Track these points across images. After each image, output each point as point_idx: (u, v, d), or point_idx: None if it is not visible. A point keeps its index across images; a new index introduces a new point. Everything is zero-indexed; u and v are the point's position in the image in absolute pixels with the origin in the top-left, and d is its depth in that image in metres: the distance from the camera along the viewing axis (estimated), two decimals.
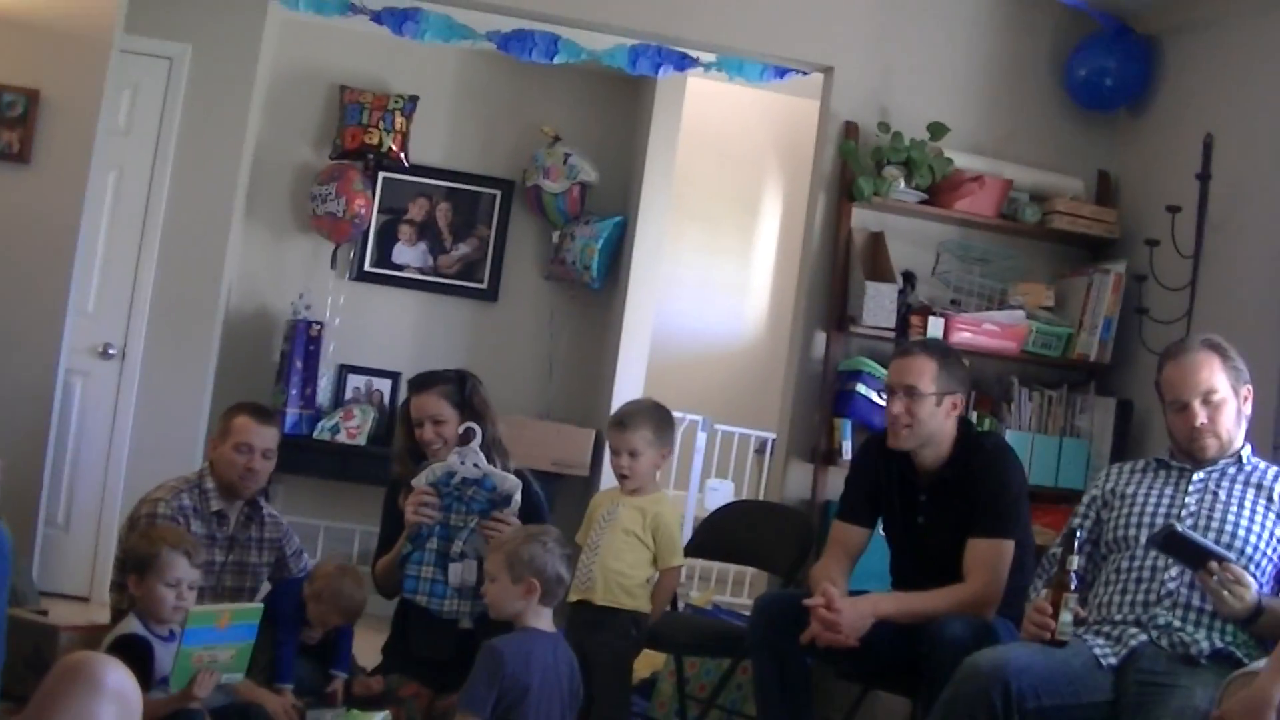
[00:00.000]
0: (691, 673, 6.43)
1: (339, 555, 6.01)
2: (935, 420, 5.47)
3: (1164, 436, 5.21)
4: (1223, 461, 4.95)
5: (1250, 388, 4.97)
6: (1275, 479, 4.91)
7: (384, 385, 8.79)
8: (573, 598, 5.87)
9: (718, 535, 6.63)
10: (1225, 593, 4.49)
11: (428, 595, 5.73)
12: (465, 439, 5.68)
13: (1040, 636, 4.69)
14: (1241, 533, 4.77)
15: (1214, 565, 4.53)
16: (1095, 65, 7.28)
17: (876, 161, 7.07)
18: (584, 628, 5.76)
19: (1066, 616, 4.67)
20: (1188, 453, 4.98)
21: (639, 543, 5.84)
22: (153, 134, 8.01)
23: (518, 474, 5.81)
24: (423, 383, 5.98)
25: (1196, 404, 4.87)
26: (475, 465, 5.66)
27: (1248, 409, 4.98)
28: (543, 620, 5.03)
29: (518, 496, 5.67)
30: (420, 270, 9.00)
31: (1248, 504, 4.84)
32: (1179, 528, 4.68)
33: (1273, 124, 6.33)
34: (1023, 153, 7.41)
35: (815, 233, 7.24)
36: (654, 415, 5.99)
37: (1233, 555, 4.61)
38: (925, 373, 5.47)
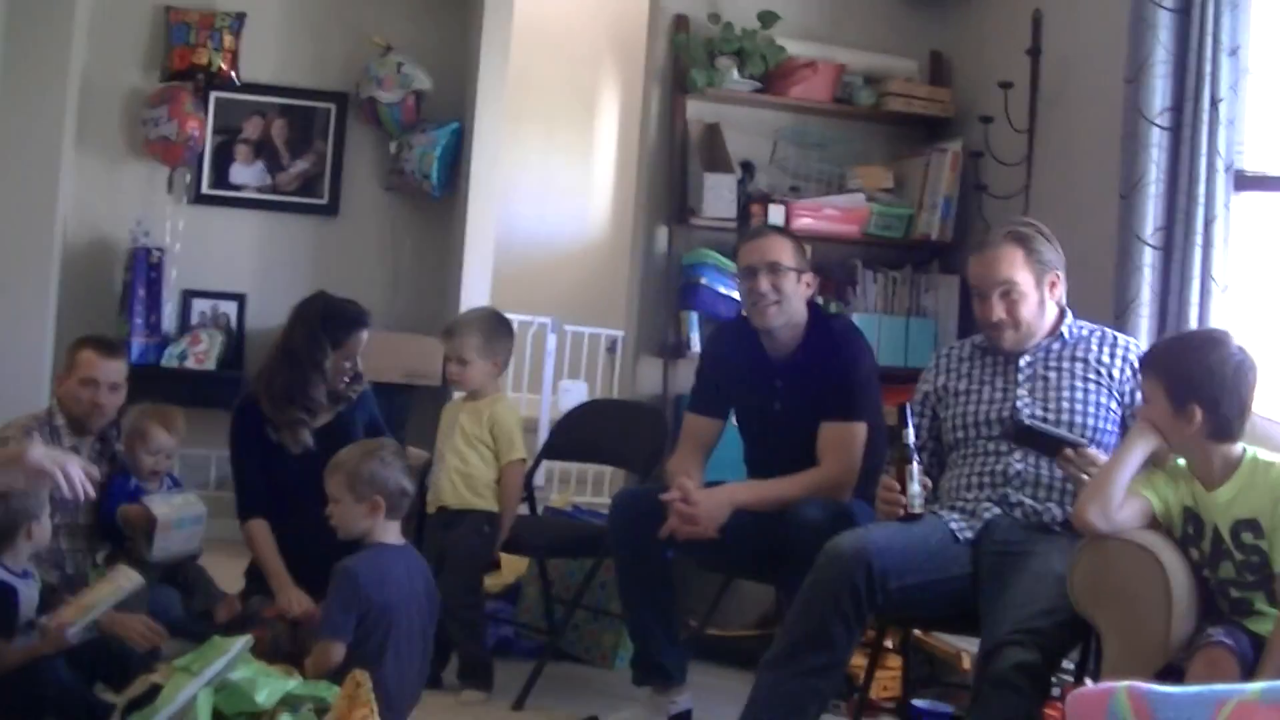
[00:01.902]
0: (555, 575, 6.44)
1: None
2: (797, 297, 5.50)
3: None
4: (1045, 340, 5.00)
5: (1059, 274, 4.97)
6: (1100, 348, 4.96)
7: (229, 308, 8.67)
8: (430, 509, 5.93)
9: (573, 436, 6.63)
10: (1084, 476, 4.54)
11: None
12: None
13: (893, 513, 4.74)
14: (1079, 411, 4.84)
15: (1069, 452, 4.59)
16: None
17: (709, 53, 7.07)
18: (440, 530, 5.89)
19: (914, 488, 4.73)
20: (989, 338, 5.04)
21: (479, 444, 5.95)
22: None
23: (362, 396, 6.06)
24: (367, 319, 6.11)
25: (995, 297, 4.91)
26: None
27: (1057, 294, 4.99)
28: (390, 534, 5.03)
29: None
30: (259, 189, 8.87)
31: (1078, 381, 4.89)
32: (1026, 420, 4.75)
33: None
34: (855, 36, 7.43)
35: (651, 127, 7.24)
36: (485, 324, 6.08)
37: (1085, 439, 4.68)
38: (784, 249, 5.50)
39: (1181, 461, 4.32)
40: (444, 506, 5.95)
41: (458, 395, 6.15)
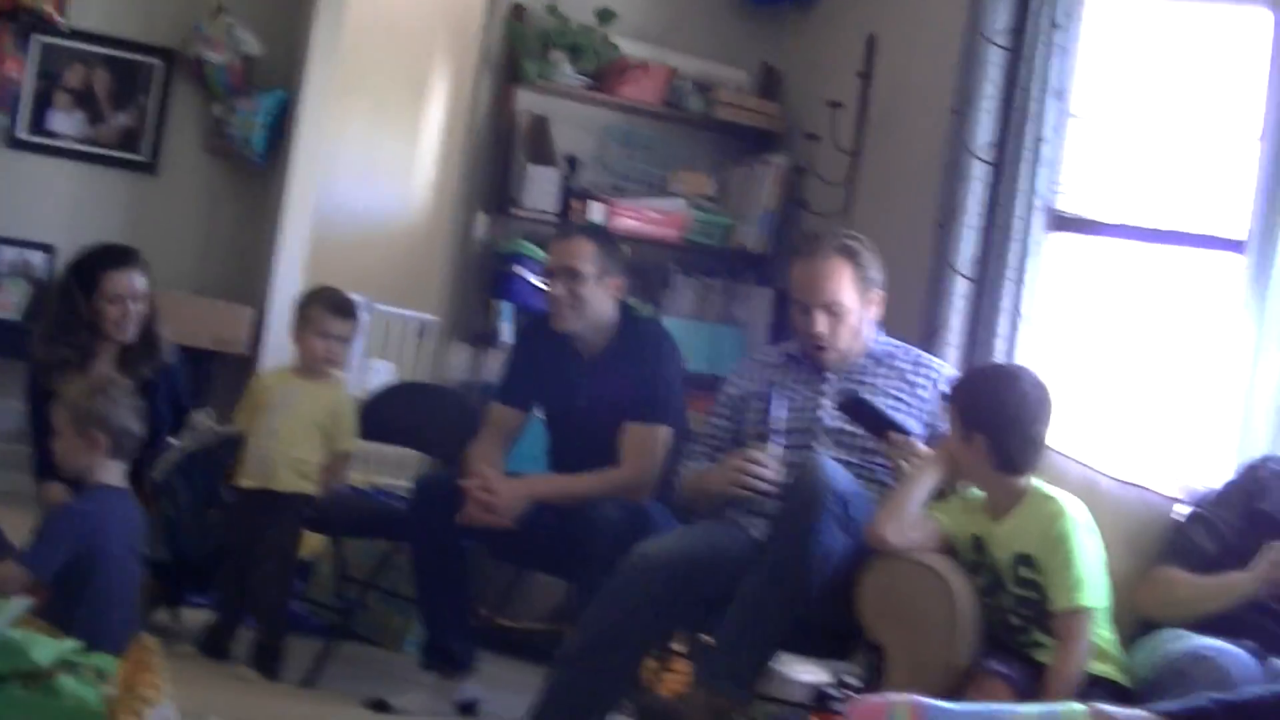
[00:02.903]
0: (349, 554, 6.41)
1: None
2: (597, 301, 5.52)
3: None
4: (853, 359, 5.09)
5: (881, 292, 5.08)
6: (907, 366, 5.08)
7: (37, 258, 8.54)
8: (249, 484, 5.85)
9: (379, 417, 6.56)
10: (904, 463, 4.63)
11: None
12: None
13: (754, 486, 4.83)
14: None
15: (895, 436, 4.68)
16: None
17: (543, 44, 7.07)
18: (260, 512, 5.78)
19: (774, 468, 4.83)
20: (807, 352, 5.11)
21: (319, 430, 5.88)
22: None
23: (166, 373, 5.93)
24: (127, 258, 5.87)
25: (818, 312, 4.98)
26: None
27: (875, 313, 5.10)
28: (113, 475, 4.92)
29: None
30: (77, 139, 8.73)
31: (882, 397, 4.96)
32: (864, 394, 4.83)
33: (932, 27, 6.49)
34: (689, 42, 7.48)
35: (479, 114, 7.24)
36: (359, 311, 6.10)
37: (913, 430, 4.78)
38: (585, 254, 5.51)
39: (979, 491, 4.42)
40: (268, 489, 5.83)
41: (277, 367, 6.06)
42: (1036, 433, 4.30)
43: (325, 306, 5.95)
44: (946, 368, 5.21)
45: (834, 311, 4.97)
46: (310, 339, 5.93)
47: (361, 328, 6.00)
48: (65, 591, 4.69)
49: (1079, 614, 4.09)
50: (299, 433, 5.86)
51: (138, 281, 5.84)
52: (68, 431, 4.88)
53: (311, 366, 5.97)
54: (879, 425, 4.75)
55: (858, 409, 4.80)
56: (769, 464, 4.84)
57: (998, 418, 4.25)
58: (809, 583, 4.45)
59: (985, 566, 4.30)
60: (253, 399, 6.03)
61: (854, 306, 4.99)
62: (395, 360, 9.64)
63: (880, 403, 4.87)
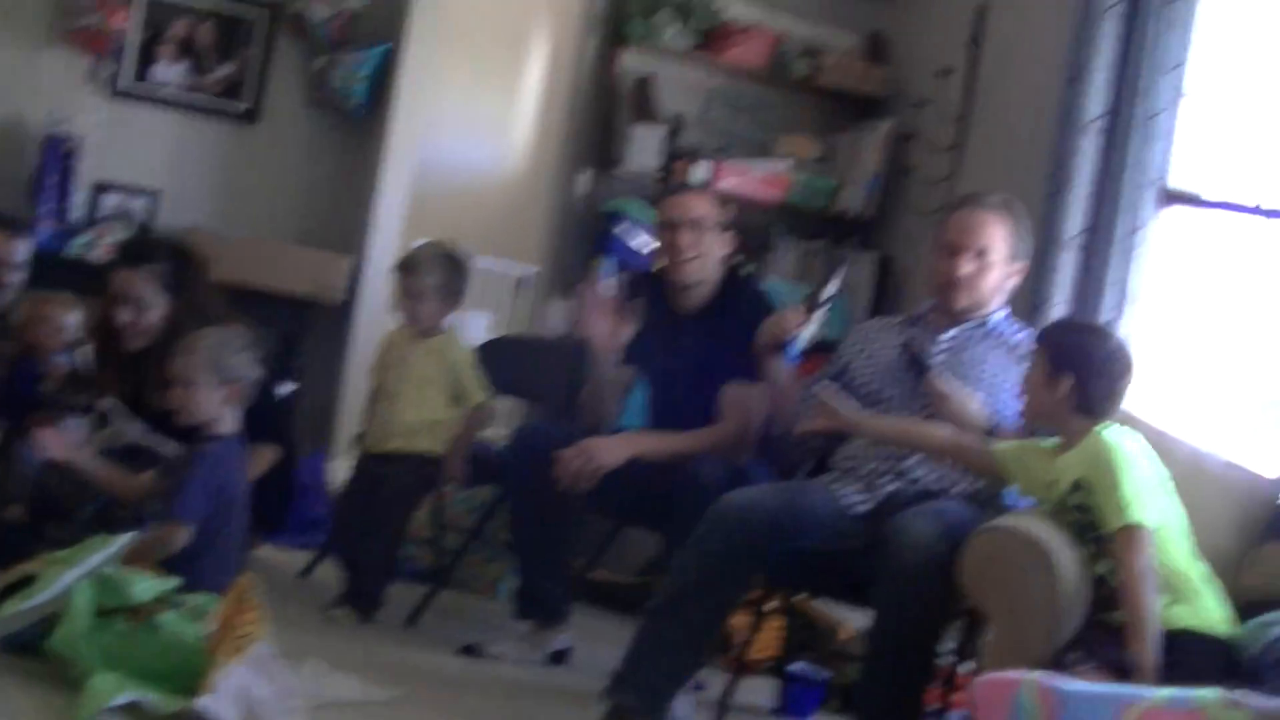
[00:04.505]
0: (447, 499, 6.42)
1: None
2: (715, 255, 5.54)
3: (922, 295, 5.31)
4: (971, 321, 5.05)
5: (1025, 264, 5.07)
6: (1023, 341, 5.02)
7: (140, 204, 8.59)
8: (371, 448, 5.93)
9: (488, 368, 6.57)
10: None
11: None
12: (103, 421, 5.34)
13: (778, 337, 4.99)
14: (986, 383, 4.90)
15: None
16: None
17: (649, 6, 7.05)
18: (381, 466, 5.84)
19: (811, 329, 5.01)
20: (938, 295, 5.09)
21: (437, 389, 5.86)
22: None
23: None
24: (134, 255, 5.68)
25: (967, 255, 4.95)
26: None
27: (1013, 283, 5.07)
28: (232, 424, 4.94)
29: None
30: (181, 89, 8.77)
31: (991, 360, 4.96)
32: (963, 360, 4.91)
33: None
34: (797, 5, 7.45)
35: (583, 73, 7.23)
36: (446, 263, 5.95)
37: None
38: (708, 206, 5.56)
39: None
40: (392, 451, 5.85)
41: (398, 326, 6.04)
42: (1120, 388, 4.34)
43: (400, 265, 5.97)
44: None
45: (982, 258, 4.95)
46: (400, 300, 5.95)
47: (451, 279, 5.89)
48: (201, 536, 4.73)
49: (1129, 530, 4.05)
50: (412, 394, 5.86)
51: (139, 285, 5.52)
52: (205, 380, 4.85)
53: (411, 326, 5.97)
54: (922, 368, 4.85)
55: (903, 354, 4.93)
56: (806, 326, 5.01)
57: (1089, 362, 4.30)
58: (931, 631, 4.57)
59: (1053, 501, 4.32)
60: (380, 358, 6.08)
61: (1000, 261, 4.97)
62: (493, 312, 9.65)
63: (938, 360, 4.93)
